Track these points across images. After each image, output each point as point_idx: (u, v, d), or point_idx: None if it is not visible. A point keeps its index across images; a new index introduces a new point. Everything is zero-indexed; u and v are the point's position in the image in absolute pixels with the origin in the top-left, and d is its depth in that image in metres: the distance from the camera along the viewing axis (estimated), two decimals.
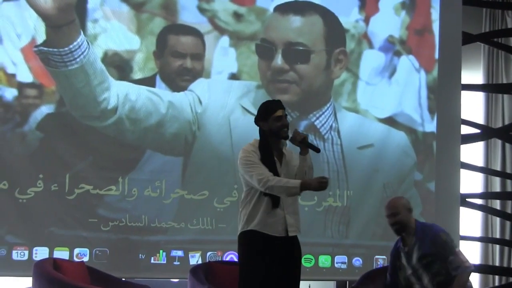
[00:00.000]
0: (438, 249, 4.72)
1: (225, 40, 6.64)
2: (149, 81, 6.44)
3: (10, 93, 6.20)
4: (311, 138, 6.69)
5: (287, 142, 4.40)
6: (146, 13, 6.49)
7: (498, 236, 7.81)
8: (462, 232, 7.05)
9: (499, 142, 7.93)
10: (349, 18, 6.95)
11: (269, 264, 4.22)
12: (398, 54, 7.06)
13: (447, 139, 7.10)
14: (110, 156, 6.32)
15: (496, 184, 7.91)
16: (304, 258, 6.65)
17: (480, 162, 7.89)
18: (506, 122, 7.90)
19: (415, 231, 4.81)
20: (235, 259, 6.37)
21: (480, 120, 7.91)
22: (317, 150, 4.39)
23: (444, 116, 7.10)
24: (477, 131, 7.58)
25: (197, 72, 6.54)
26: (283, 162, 4.37)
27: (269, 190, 4.21)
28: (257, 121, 4.39)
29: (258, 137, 4.40)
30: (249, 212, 4.28)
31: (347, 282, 6.95)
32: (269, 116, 4.30)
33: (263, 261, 4.21)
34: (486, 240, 7.75)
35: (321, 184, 4.15)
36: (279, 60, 6.63)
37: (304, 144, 4.32)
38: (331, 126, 6.79)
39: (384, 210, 4.90)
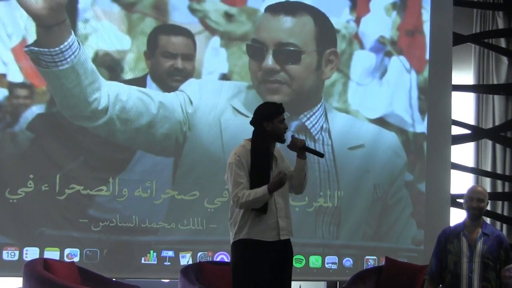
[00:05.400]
0: (502, 251, 4.87)
1: (216, 40, 6.64)
2: (140, 81, 6.43)
3: (1, 93, 6.17)
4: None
5: (279, 144, 4.39)
6: (137, 13, 6.48)
7: None
8: None
9: (489, 142, 7.95)
10: (340, 18, 6.96)
11: (263, 269, 4.21)
12: (389, 54, 7.08)
13: (437, 139, 7.13)
14: (100, 157, 6.30)
15: (487, 185, 7.92)
16: (295, 259, 6.58)
17: (470, 163, 7.91)
18: (497, 123, 7.93)
19: (482, 223, 4.98)
20: (226, 260, 6.37)
21: (471, 120, 7.94)
22: (321, 155, 4.38)
23: (434, 117, 7.13)
24: (467, 131, 7.61)
25: (188, 73, 6.53)
26: (273, 166, 4.34)
27: (242, 207, 4.21)
28: (260, 121, 4.32)
29: (248, 138, 4.38)
30: (239, 221, 4.25)
31: (338, 282, 6.97)
32: (276, 117, 4.31)
33: (257, 267, 4.20)
34: None
35: (280, 180, 4.14)
36: (270, 61, 6.63)
37: (305, 150, 4.31)
38: (322, 127, 6.80)
39: (473, 192, 4.99)
